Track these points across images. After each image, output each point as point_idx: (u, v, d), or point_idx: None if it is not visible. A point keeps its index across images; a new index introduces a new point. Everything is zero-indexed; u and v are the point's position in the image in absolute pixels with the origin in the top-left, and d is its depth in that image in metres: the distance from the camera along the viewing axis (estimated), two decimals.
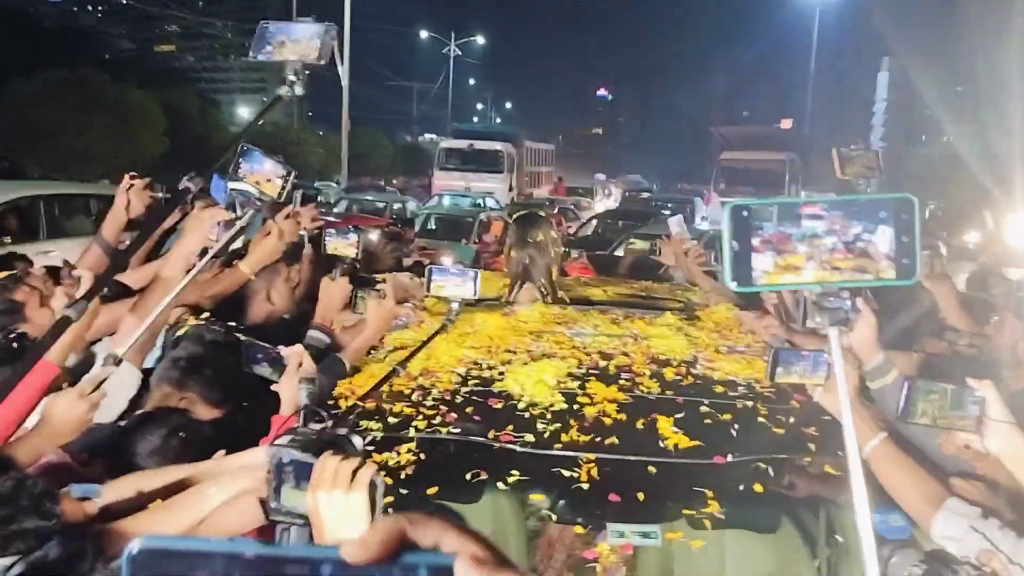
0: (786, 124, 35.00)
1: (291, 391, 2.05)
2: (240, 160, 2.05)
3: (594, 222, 17.07)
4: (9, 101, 21.74)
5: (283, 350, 2.14)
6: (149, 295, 2.31)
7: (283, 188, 2.04)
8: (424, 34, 53.61)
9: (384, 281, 3.02)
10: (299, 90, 1.97)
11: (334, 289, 2.81)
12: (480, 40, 54.14)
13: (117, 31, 59.69)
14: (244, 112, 53.00)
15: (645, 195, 30.37)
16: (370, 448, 1.67)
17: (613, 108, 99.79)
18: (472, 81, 76.60)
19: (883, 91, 40.75)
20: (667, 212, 22.23)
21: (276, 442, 1.43)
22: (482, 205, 21.49)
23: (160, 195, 3.07)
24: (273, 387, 2.10)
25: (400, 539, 0.40)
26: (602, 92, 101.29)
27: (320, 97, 54.66)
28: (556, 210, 20.11)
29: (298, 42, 1.94)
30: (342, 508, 1.27)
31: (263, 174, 2.04)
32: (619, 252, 8.16)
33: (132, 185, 3.08)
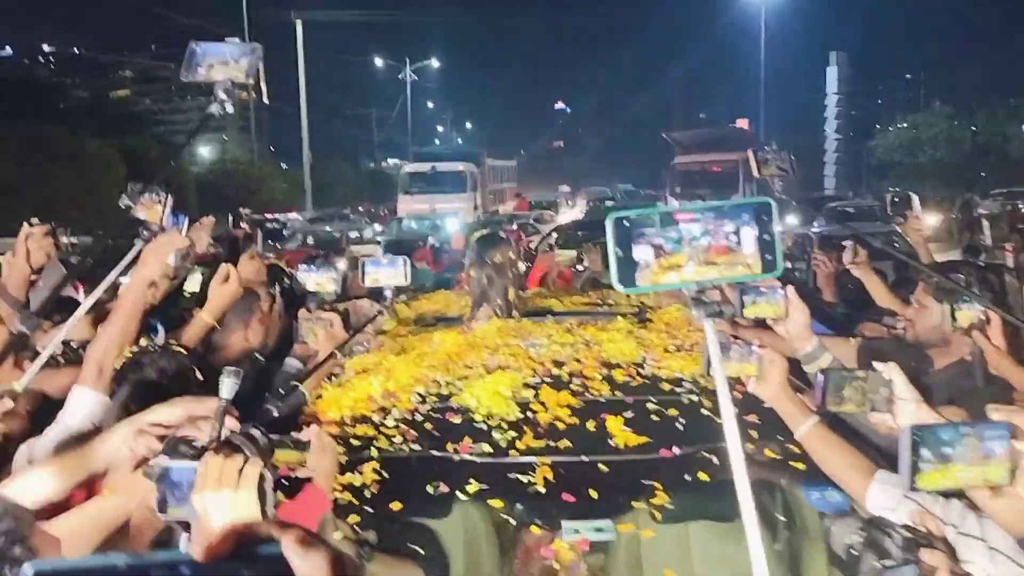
0: (742, 124, 35.52)
1: (324, 467, 1.82)
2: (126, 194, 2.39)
3: (554, 235, 16.89)
4: None
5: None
6: (107, 325, 2.37)
7: (162, 213, 2.36)
8: (379, 62, 53.84)
9: (332, 310, 3.08)
10: (230, 108, 2.10)
11: (308, 319, 2.89)
12: (435, 63, 54.48)
13: (71, 81, 59.38)
14: (204, 152, 52.76)
15: (609, 203, 30.54)
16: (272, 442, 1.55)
17: (572, 120, 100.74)
18: (430, 104, 76.94)
19: (833, 85, 41.44)
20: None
21: (163, 450, 1.37)
22: (440, 227, 21.32)
23: (66, 240, 2.97)
24: (305, 469, 1.77)
25: (235, 538, 0.49)
26: (560, 105, 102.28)
27: (280, 131, 54.70)
28: (515, 226, 19.82)
29: (226, 63, 2.06)
30: (231, 507, 1.24)
31: (144, 203, 2.35)
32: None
33: (30, 234, 2.90)
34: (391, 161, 61.98)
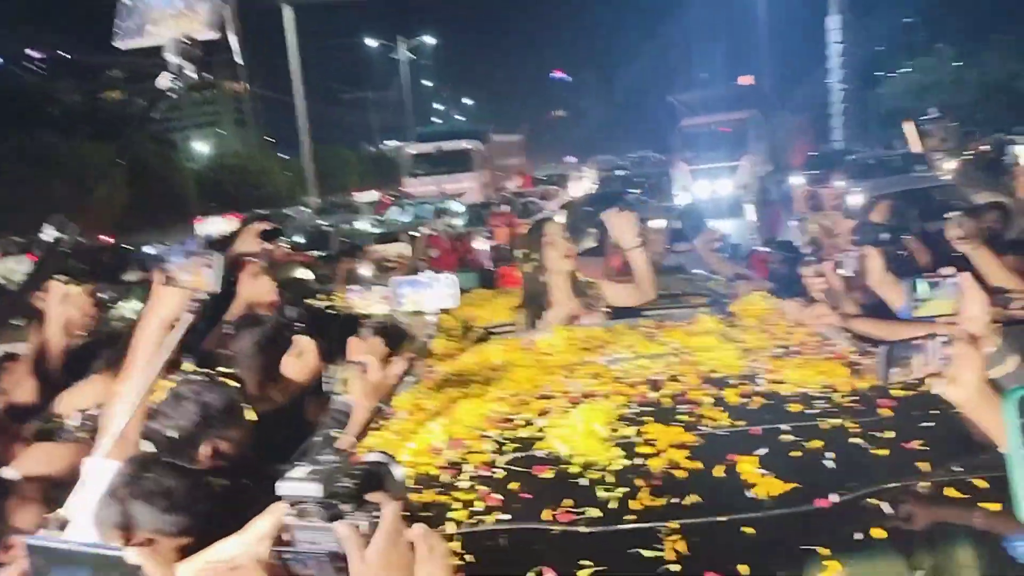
0: (746, 80, 34.58)
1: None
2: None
3: (564, 213, 14.76)
4: None
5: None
6: (119, 386, 1.95)
7: (213, 279, 1.90)
8: (372, 42, 52.87)
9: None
10: (190, 75, 1.50)
11: (363, 349, 2.39)
12: (429, 40, 53.54)
13: (63, 85, 58.65)
14: (200, 147, 52.10)
15: (620, 172, 29.78)
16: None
17: (573, 89, 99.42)
18: (428, 82, 75.82)
19: (835, 34, 40.44)
20: (636, 191, 21.14)
21: (288, 476, 1.10)
22: (445, 209, 20.15)
23: (106, 296, 2.51)
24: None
25: None
26: (559, 74, 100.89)
27: (276, 121, 54.00)
28: (503, 209, 18.06)
29: (177, 14, 1.49)
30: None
31: (187, 267, 1.89)
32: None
33: (67, 295, 2.43)
34: (391, 143, 61.27)
